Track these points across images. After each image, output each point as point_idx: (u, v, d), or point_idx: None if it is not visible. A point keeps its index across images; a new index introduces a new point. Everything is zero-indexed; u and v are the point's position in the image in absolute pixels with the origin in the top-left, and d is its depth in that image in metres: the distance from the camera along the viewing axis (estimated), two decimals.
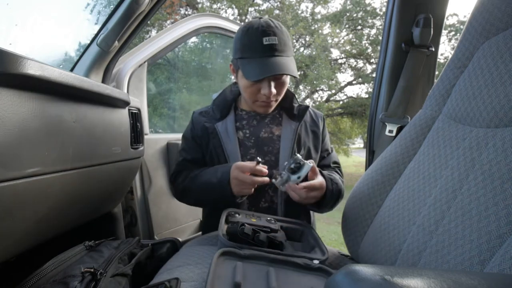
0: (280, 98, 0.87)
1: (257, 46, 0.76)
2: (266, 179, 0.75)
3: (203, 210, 1.01)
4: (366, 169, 1.09)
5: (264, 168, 0.75)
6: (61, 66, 1.03)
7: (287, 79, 0.84)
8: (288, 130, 0.87)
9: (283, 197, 0.84)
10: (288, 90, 0.92)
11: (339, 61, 9.09)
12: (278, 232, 0.67)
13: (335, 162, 0.97)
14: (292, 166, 0.72)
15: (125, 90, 1.14)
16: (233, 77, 0.91)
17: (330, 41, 8.29)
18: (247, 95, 0.84)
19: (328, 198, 0.77)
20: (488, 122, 0.48)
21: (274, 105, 0.87)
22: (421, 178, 0.58)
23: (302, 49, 8.87)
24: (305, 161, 0.72)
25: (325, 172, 0.82)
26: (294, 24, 8.14)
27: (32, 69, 0.51)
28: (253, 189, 0.76)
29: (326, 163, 0.95)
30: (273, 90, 0.79)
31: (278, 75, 0.77)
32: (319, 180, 0.75)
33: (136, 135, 0.98)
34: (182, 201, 0.92)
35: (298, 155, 0.73)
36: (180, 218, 1.40)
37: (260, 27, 0.76)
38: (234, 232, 0.62)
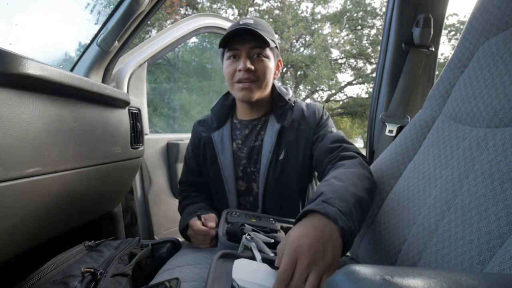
0: (262, 83, 0.82)
1: (233, 27, 0.81)
2: (213, 232, 0.73)
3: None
4: None
5: (211, 229, 0.73)
6: (61, 66, 1.03)
7: (268, 62, 0.81)
8: (270, 133, 0.84)
9: (261, 191, 0.83)
10: (274, 89, 0.88)
11: (339, 61, 9.09)
12: (278, 232, 0.67)
13: (336, 141, 0.76)
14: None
15: (125, 90, 1.14)
16: None
17: (330, 41, 8.29)
18: (227, 78, 0.83)
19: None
20: (488, 122, 0.48)
21: (255, 89, 0.81)
22: (421, 178, 0.58)
23: (302, 49, 8.87)
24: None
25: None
26: (294, 24, 8.14)
27: (32, 69, 0.51)
28: (210, 241, 0.75)
29: (324, 148, 0.77)
30: (249, 65, 0.78)
31: (245, 30, 0.77)
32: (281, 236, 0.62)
33: (136, 135, 0.98)
34: None
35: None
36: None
37: (240, 18, 0.84)
38: (234, 232, 0.62)
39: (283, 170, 0.82)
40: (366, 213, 0.56)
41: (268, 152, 0.82)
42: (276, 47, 0.85)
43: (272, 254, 0.57)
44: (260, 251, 0.56)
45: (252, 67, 0.79)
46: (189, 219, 0.78)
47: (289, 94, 0.91)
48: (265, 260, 0.53)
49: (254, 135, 0.87)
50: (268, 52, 0.82)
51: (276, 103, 0.87)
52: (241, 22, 0.81)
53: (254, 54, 0.80)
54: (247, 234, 0.57)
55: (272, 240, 0.62)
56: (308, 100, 8.86)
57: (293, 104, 0.88)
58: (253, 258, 0.54)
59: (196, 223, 0.75)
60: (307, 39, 8.70)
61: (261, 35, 0.77)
